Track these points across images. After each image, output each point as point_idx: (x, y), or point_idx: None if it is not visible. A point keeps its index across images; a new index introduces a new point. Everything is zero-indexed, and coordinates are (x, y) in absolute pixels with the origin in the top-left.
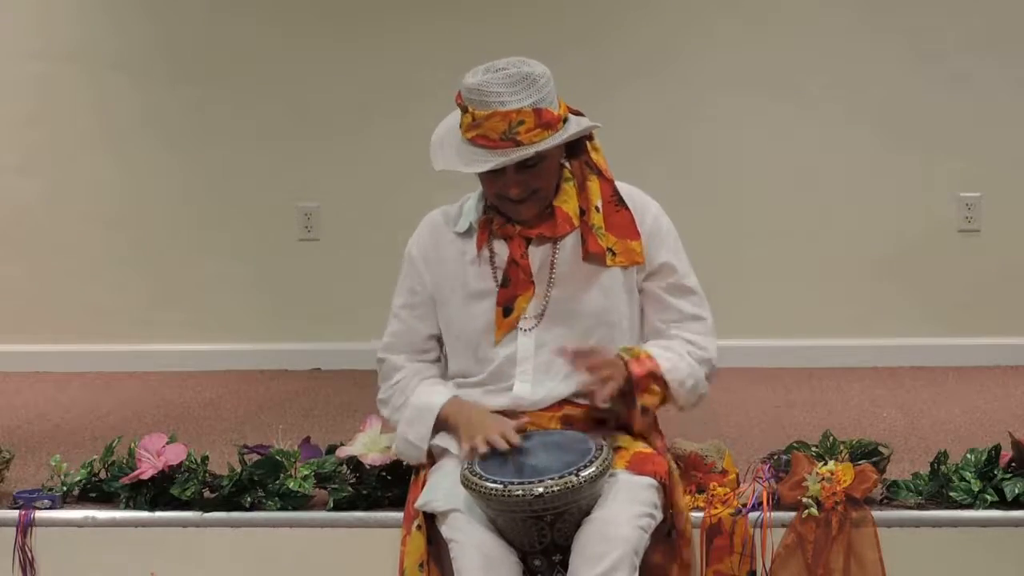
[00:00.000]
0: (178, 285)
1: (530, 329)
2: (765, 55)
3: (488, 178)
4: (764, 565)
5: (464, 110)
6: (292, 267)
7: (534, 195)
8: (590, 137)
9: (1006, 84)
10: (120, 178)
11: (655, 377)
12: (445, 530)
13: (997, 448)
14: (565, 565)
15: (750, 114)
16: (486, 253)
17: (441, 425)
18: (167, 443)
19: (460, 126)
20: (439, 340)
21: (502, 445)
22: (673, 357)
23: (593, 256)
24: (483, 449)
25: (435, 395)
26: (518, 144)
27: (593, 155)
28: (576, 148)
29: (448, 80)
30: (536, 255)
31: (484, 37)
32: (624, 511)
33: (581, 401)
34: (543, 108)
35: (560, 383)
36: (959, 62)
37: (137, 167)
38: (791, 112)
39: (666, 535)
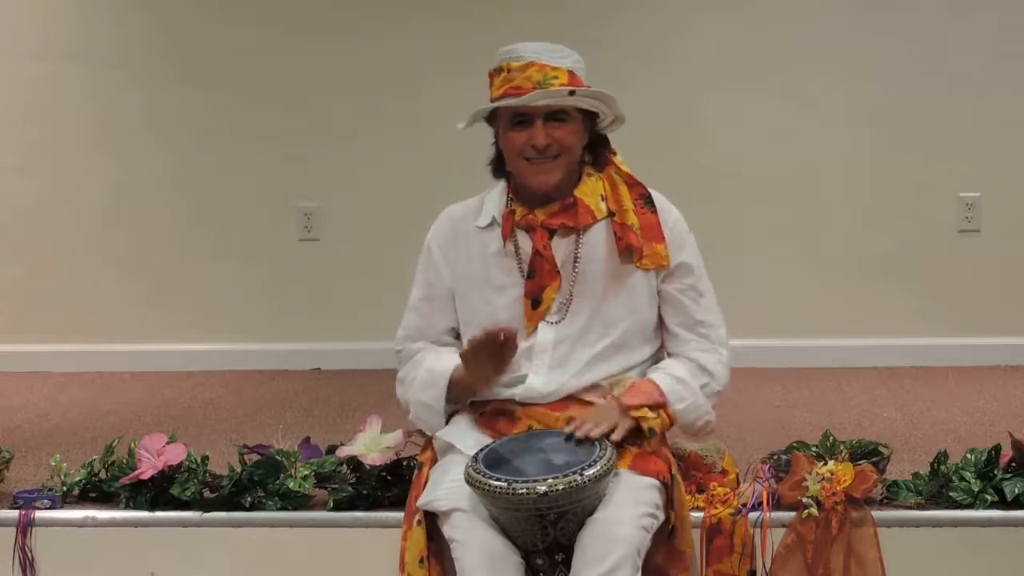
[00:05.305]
0: (178, 285)
1: (554, 322)
2: (765, 54)
3: (514, 131)
4: (764, 565)
5: (498, 71)
6: (292, 267)
7: (557, 158)
8: (613, 152)
9: (1006, 84)
10: (120, 178)
11: (653, 406)
12: (447, 529)
13: (997, 448)
14: (568, 564)
15: (749, 113)
16: (510, 247)
17: (454, 384)
18: (167, 443)
19: (490, 95)
20: (457, 333)
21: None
22: (684, 392)
23: (630, 250)
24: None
25: (445, 360)
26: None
27: (617, 162)
28: (601, 156)
29: (448, 80)
30: (560, 248)
31: (483, 36)
32: (626, 511)
33: (588, 398)
34: (577, 75)
35: (572, 378)
36: (959, 62)
37: (137, 167)
38: (791, 111)
39: (667, 535)
